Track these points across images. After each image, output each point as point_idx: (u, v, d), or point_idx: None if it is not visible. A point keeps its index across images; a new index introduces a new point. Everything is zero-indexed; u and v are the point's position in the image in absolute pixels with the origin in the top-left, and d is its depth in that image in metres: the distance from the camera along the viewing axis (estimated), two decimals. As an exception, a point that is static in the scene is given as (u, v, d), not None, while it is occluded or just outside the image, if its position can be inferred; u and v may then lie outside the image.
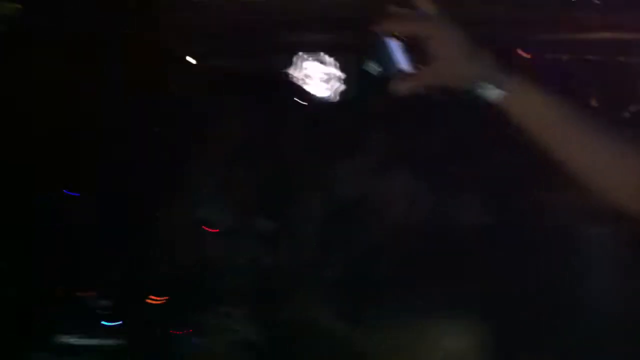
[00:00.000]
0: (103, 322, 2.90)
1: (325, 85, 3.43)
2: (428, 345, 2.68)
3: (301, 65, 3.42)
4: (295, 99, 3.36)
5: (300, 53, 3.41)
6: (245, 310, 2.87)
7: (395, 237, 3.05)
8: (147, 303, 3.03)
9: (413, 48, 0.90)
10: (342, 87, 3.42)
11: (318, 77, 3.43)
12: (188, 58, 3.49)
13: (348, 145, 3.24)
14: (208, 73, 3.49)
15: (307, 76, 3.42)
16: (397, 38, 0.90)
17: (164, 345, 2.86)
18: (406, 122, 3.09)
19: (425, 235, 3.05)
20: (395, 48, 0.90)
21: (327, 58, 3.42)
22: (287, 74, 3.41)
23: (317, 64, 3.44)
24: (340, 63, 3.41)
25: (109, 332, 2.87)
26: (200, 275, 3.09)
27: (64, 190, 3.14)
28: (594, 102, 3.32)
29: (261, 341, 2.71)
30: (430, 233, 3.07)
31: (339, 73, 3.42)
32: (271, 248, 3.09)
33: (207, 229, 3.12)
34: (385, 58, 0.91)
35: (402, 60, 0.90)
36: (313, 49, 3.43)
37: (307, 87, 3.42)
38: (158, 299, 3.05)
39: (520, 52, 3.30)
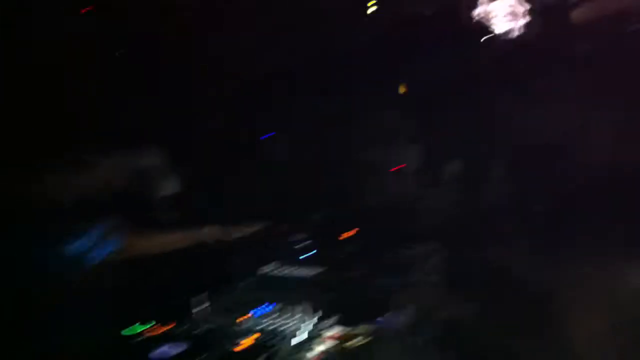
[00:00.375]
0: (300, 257, 3.04)
1: (511, 22, 3.39)
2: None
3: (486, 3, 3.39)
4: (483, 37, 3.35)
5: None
6: (439, 249, 2.86)
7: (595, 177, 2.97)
8: (340, 240, 3.14)
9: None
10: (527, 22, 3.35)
11: (504, 13, 3.39)
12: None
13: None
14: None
15: (492, 13, 3.39)
16: None
17: (357, 282, 2.86)
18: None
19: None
20: None
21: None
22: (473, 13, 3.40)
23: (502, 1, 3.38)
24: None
25: (305, 264, 2.97)
26: (391, 215, 3.15)
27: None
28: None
29: (457, 280, 2.66)
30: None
31: (524, 8, 3.36)
32: (461, 189, 3.14)
33: (395, 169, 3.23)
34: None
35: None
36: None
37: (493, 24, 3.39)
38: (350, 233, 3.16)
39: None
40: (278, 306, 2.73)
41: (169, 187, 3.94)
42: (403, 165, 3.25)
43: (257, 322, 2.60)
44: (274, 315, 2.64)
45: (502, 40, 3.37)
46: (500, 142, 3.18)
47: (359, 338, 2.53)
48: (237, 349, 2.38)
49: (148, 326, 2.45)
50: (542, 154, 3.04)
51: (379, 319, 2.31)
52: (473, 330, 2.25)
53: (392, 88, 3.51)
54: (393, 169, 3.25)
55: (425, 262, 2.59)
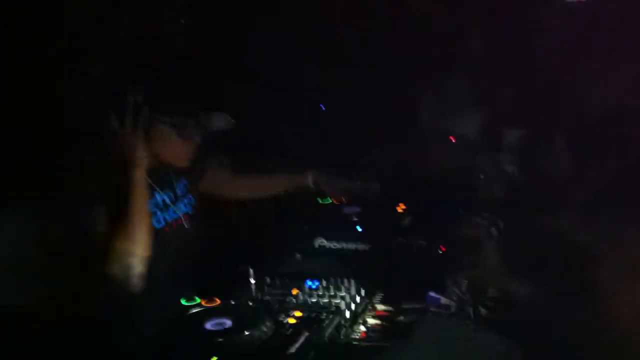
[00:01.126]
0: (358, 228, 3.07)
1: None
2: None
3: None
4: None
5: None
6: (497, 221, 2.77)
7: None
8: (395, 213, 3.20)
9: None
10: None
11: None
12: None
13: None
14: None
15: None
16: None
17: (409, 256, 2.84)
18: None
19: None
20: None
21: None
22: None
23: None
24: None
25: (356, 237, 2.97)
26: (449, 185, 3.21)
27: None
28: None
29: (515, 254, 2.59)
30: None
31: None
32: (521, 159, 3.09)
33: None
34: None
35: None
36: None
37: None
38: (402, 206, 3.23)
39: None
40: (326, 280, 2.66)
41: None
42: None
43: (306, 295, 2.53)
44: (322, 289, 2.57)
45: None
46: (565, 110, 3.07)
47: (408, 315, 2.44)
48: (290, 320, 2.30)
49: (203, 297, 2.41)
50: (609, 120, 2.93)
51: (430, 294, 2.20)
52: (530, 307, 2.15)
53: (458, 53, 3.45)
54: (452, 138, 3.20)
55: (483, 235, 2.47)
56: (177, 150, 2.65)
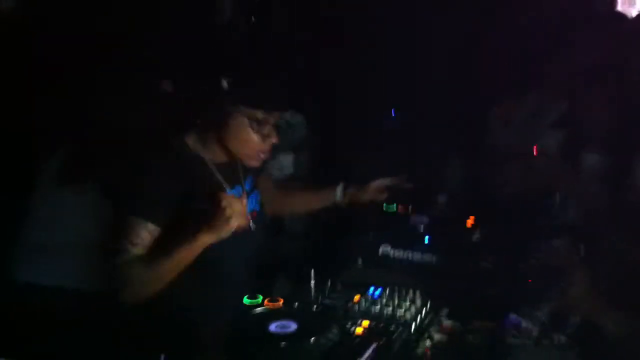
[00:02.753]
0: (427, 238, 3.00)
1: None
2: None
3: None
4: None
5: None
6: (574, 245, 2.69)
7: None
8: (465, 228, 3.12)
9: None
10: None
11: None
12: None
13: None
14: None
15: None
16: None
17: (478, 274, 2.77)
18: None
19: None
20: None
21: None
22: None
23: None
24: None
25: (423, 249, 2.91)
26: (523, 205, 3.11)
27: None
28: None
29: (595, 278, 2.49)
30: None
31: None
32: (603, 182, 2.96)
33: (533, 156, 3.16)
34: None
35: None
36: None
37: None
38: (471, 221, 3.15)
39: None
40: (389, 290, 2.57)
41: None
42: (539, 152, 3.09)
43: (370, 304, 2.45)
44: (385, 300, 2.48)
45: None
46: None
47: (477, 335, 2.34)
48: (358, 331, 2.21)
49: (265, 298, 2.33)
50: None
51: (511, 316, 2.10)
52: (613, 334, 2.03)
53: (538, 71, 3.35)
54: (531, 155, 3.08)
55: (559, 258, 2.35)
56: (252, 146, 2.57)
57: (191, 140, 2.62)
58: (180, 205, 2.49)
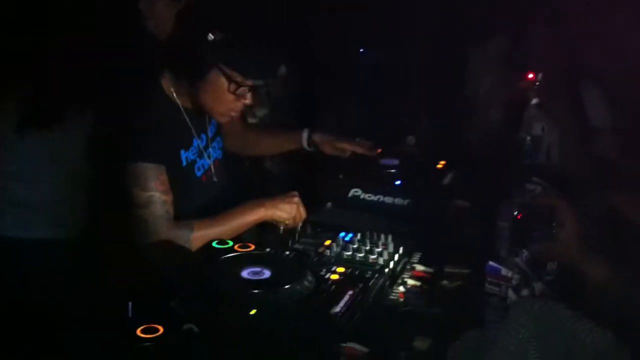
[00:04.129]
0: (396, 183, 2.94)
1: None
2: None
3: None
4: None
5: None
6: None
7: None
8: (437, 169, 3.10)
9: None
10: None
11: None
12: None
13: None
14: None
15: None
16: None
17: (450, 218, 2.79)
18: None
19: None
20: None
21: None
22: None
23: None
24: None
25: (394, 192, 2.85)
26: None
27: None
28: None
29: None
30: None
31: None
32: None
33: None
34: None
35: None
36: None
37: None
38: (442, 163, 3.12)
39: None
40: (360, 235, 2.52)
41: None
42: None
43: (341, 249, 2.40)
44: (357, 245, 2.43)
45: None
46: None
47: (452, 279, 2.31)
48: (333, 277, 2.16)
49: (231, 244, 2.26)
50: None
51: (490, 263, 2.05)
52: (592, 282, 2.00)
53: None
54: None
55: (537, 200, 2.30)
56: (225, 105, 2.47)
57: (165, 83, 2.51)
58: (166, 148, 2.43)
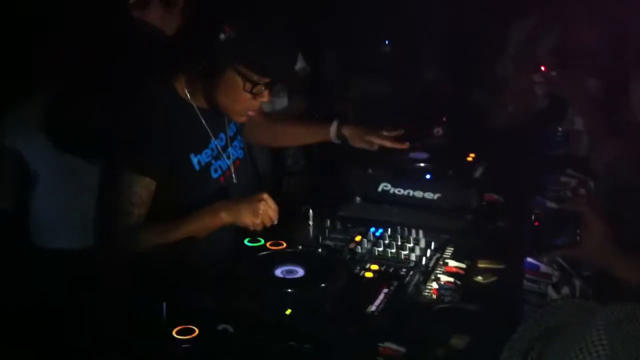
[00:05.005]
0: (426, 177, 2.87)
1: None
2: None
3: None
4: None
5: None
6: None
7: None
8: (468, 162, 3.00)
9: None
10: None
11: None
12: None
13: None
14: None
15: None
16: None
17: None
18: None
19: None
20: None
21: None
22: None
23: None
24: None
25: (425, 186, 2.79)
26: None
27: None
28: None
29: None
30: None
31: None
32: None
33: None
34: None
35: None
36: None
37: None
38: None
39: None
40: (390, 230, 2.49)
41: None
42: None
43: (372, 245, 2.38)
44: (387, 240, 2.40)
45: None
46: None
47: (487, 276, 2.27)
48: (368, 275, 2.13)
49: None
50: None
51: (528, 259, 2.02)
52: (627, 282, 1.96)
53: None
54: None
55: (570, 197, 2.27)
56: (242, 105, 2.41)
57: (179, 85, 2.46)
58: (172, 155, 2.39)
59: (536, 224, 2.00)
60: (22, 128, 2.69)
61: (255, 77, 2.34)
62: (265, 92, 2.40)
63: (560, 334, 1.17)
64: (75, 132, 2.62)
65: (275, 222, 2.33)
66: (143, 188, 2.32)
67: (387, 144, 2.92)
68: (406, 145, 2.91)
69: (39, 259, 2.83)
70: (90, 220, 2.56)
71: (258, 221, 2.29)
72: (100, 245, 2.42)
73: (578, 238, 1.91)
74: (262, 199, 2.30)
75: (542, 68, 3.07)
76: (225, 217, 2.31)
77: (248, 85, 2.34)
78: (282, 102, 3.99)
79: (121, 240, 2.31)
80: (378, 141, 2.92)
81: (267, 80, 2.37)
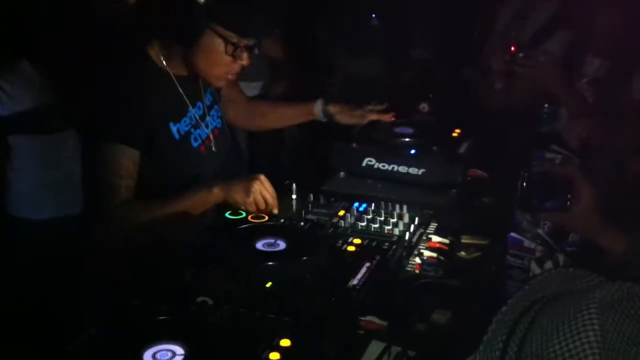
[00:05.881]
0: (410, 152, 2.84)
1: None
2: None
3: None
4: None
5: None
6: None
7: None
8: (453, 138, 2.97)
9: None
10: None
11: None
12: None
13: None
14: None
15: None
16: None
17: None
18: None
19: None
20: None
21: None
22: None
23: None
24: None
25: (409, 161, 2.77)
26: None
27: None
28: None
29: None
30: None
31: None
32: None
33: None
34: None
35: None
36: None
37: None
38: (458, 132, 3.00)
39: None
40: (374, 205, 2.47)
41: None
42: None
43: (355, 220, 2.35)
44: (371, 215, 2.38)
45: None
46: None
47: (469, 251, 2.26)
48: (350, 249, 2.10)
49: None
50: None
51: (511, 234, 2.00)
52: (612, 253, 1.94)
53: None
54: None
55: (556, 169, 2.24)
56: (221, 68, 2.36)
57: (153, 52, 2.40)
58: (151, 123, 2.34)
59: (524, 184, 1.98)
60: None
61: (235, 39, 2.29)
62: (245, 55, 2.36)
63: (550, 305, 1.15)
64: (49, 104, 2.58)
65: (275, 210, 2.32)
66: (127, 158, 2.27)
67: (374, 116, 2.89)
68: (391, 117, 2.89)
69: (19, 230, 2.81)
70: (70, 191, 2.53)
71: (249, 199, 2.25)
72: (92, 224, 2.37)
73: (568, 203, 1.90)
74: (256, 179, 2.27)
75: (512, 48, 3.07)
76: (217, 192, 2.28)
77: (230, 48, 2.30)
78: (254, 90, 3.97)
79: (112, 216, 2.26)
80: (367, 115, 2.89)
81: (247, 41, 2.33)
